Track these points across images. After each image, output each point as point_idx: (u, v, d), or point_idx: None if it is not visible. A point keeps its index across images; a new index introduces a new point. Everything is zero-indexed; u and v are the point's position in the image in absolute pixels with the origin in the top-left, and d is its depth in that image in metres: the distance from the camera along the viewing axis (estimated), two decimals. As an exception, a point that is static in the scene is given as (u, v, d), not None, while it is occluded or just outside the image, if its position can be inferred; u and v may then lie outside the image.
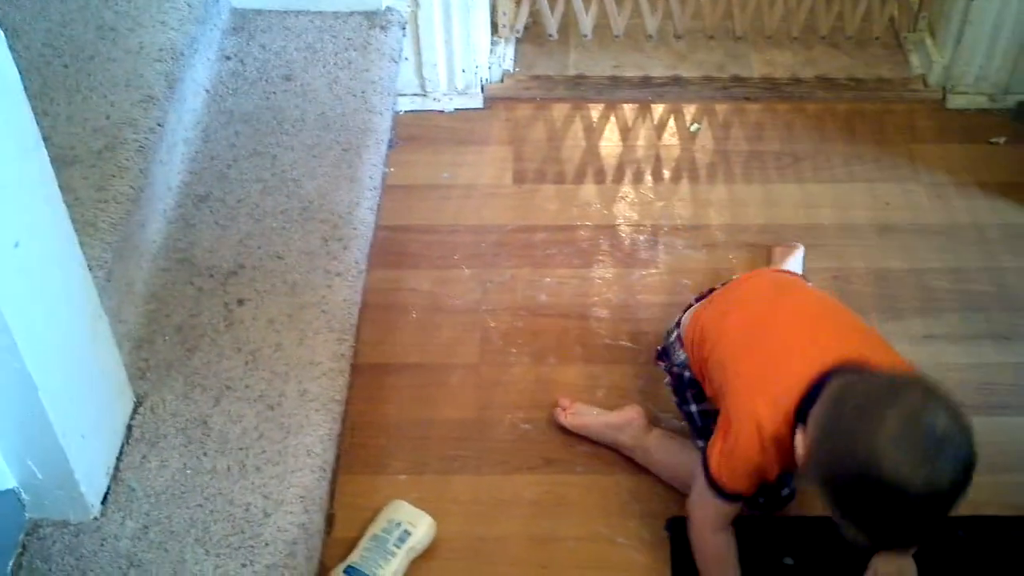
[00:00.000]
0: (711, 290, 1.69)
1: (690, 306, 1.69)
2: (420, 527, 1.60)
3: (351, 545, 1.59)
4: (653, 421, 1.74)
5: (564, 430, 1.76)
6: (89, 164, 1.58)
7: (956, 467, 1.22)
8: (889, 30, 2.47)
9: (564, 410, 1.76)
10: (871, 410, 1.24)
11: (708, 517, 1.50)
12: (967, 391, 1.79)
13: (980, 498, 1.48)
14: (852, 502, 1.27)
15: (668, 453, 1.68)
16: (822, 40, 2.47)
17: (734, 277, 1.74)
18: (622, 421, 1.72)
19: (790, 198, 2.16)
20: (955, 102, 2.34)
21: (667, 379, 1.68)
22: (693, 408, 1.63)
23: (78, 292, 1.34)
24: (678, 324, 1.68)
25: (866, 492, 1.24)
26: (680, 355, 1.64)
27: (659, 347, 1.73)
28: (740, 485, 1.45)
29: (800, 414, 1.35)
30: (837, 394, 1.31)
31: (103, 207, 1.53)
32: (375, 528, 1.60)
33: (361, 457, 1.73)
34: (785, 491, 1.60)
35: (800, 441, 1.34)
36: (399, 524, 1.59)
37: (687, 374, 1.62)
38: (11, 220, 1.17)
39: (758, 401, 1.40)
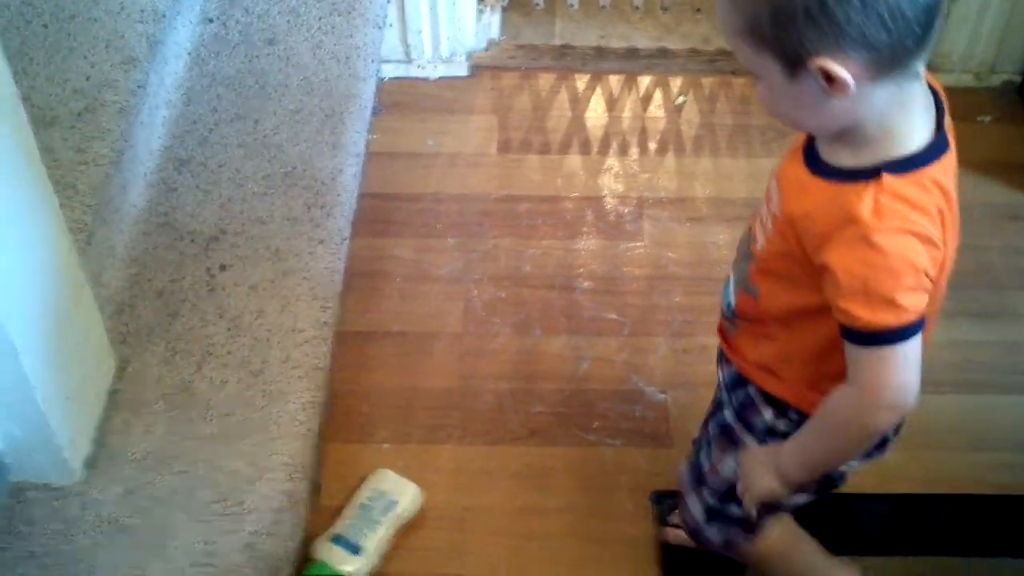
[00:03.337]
0: None
1: None
2: (406, 496, 1.59)
3: (336, 513, 1.58)
4: (636, 395, 1.74)
5: (547, 402, 1.76)
6: (69, 126, 1.55)
7: None
8: (875, 6, 2.47)
9: None
10: None
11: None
12: (947, 369, 1.80)
13: (959, 475, 1.50)
14: None
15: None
16: (808, 15, 2.46)
17: None
18: None
19: (775, 172, 2.16)
20: (941, 80, 2.31)
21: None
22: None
23: (58, 255, 1.32)
24: None
25: None
26: None
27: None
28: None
29: None
30: None
31: (83, 169, 1.50)
32: (361, 497, 1.58)
33: (345, 425, 1.72)
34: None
35: None
36: (385, 493, 1.58)
37: None
38: (-10, 181, 1.15)
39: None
